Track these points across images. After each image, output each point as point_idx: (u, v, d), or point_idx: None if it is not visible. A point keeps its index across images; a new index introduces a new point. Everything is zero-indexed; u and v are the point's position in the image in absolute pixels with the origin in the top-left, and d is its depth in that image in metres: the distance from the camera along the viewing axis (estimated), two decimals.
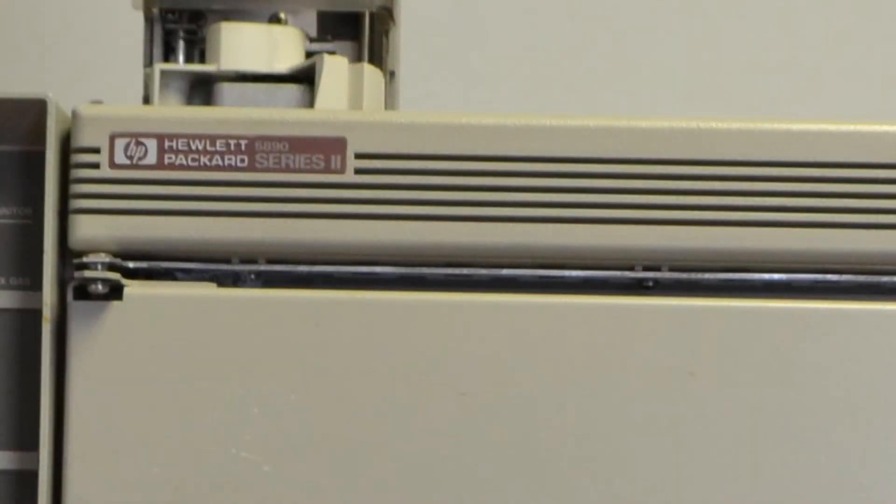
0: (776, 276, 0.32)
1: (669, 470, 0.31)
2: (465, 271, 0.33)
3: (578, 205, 0.32)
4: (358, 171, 0.32)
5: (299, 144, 0.33)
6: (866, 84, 0.68)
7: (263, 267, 0.33)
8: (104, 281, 0.32)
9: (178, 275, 0.33)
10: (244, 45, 0.37)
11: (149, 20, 0.38)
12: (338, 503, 0.31)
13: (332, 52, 0.38)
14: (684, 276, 0.32)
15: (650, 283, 0.32)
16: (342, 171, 0.32)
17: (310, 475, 0.31)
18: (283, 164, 0.32)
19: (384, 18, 0.40)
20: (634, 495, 0.31)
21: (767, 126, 0.32)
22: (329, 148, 0.33)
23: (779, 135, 0.31)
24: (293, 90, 0.37)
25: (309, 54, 0.38)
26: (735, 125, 0.32)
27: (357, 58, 0.39)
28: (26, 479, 0.32)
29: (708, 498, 0.31)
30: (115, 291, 0.32)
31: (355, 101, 0.38)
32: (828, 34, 0.70)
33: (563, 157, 0.32)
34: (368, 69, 0.39)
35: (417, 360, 0.32)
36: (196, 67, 0.38)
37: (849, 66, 0.69)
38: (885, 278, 0.31)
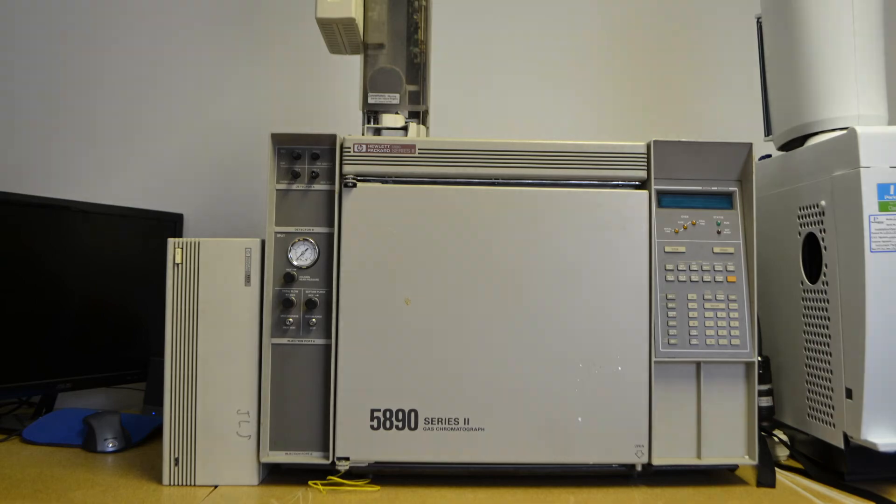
0: (546, 181, 1.12)
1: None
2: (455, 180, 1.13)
3: (488, 164, 1.11)
4: (420, 153, 1.09)
5: (404, 147, 1.10)
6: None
7: (396, 178, 1.12)
8: (351, 181, 1.09)
9: (371, 180, 1.11)
10: (387, 121, 1.18)
11: (365, 112, 1.19)
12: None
13: (410, 122, 1.19)
14: (513, 181, 1.11)
15: (500, 182, 1.12)
16: (414, 153, 1.10)
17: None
18: (398, 152, 1.11)
19: (426, 113, 1.21)
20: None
21: (536, 141, 1.13)
22: (411, 147, 1.10)
23: (539, 145, 1.12)
24: (402, 132, 1.17)
25: (406, 122, 1.19)
26: (523, 141, 1.12)
27: (419, 123, 1.20)
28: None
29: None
30: (354, 185, 1.09)
31: (419, 135, 1.19)
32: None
33: (480, 150, 1.11)
34: (422, 127, 1.20)
35: (449, 208, 1.08)
36: (373, 126, 1.18)
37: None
38: (581, 181, 1.11)
